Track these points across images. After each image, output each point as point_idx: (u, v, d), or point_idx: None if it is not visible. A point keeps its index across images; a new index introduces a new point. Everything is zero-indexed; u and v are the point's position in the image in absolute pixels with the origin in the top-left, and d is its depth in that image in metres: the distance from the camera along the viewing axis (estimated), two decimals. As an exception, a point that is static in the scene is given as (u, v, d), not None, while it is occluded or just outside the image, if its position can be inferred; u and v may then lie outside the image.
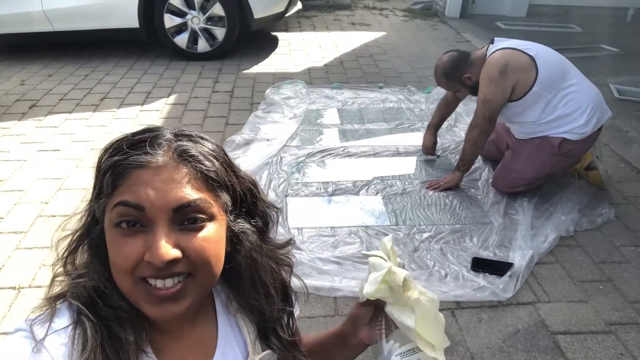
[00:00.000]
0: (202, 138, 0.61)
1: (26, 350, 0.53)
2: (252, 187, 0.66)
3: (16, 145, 2.74)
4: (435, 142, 2.64)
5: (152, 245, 0.53)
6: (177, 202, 0.54)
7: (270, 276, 0.68)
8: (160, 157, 0.55)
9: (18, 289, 1.73)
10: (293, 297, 0.75)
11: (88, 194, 0.63)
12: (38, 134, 2.87)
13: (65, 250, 0.62)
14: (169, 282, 0.55)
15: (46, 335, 0.54)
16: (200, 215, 0.56)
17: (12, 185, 2.35)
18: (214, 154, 0.60)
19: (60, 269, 0.62)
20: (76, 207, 2.18)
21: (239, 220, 0.64)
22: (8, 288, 1.73)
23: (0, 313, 1.63)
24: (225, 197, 0.60)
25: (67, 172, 2.47)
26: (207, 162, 0.58)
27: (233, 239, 0.63)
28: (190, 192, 0.55)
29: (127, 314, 0.58)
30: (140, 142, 0.56)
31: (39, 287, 1.74)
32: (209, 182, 0.58)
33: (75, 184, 2.37)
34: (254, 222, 0.67)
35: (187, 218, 0.55)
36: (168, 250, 0.53)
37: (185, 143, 0.58)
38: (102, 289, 0.58)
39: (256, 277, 0.67)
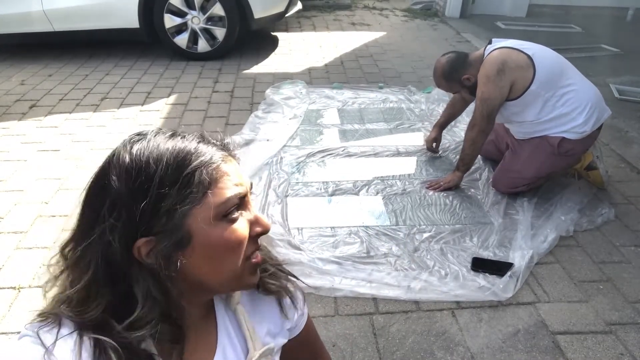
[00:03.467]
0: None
1: (33, 355, 0.53)
2: None
3: (16, 145, 2.74)
4: (437, 139, 2.66)
5: (260, 219, 0.64)
6: (250, 182, 0.65)
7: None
8: (225, 152, 0.63)
9: (18, 289, 1.73)
10: (297, 303, 0.78)
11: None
12: (38, 134, 2.87)
13: (85, 282, 0.57)
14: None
15: (55, 341, 0.54)
16: None
17: (12, 185, 2.35)
18: None
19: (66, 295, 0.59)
20: (76, 207, 2.17)
21: None
22: (8, 288, 1.73)
23: (0, 313, 1.63)
24: None
25: (67, 172, 2.47)
26: (238, 157, 0.67)
27: None
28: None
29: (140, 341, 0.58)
30: (209, 139, 0.63)
31: (39, 287, 1.74)
32: None
33: (75, 184, 2.37)
34: None
35: None
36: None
37: (224, 142, 0.65)
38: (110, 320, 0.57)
39: None
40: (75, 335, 0.56)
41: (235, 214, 0.60)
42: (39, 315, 0.58)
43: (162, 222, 0.55)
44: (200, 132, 0.64)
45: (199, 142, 0.61)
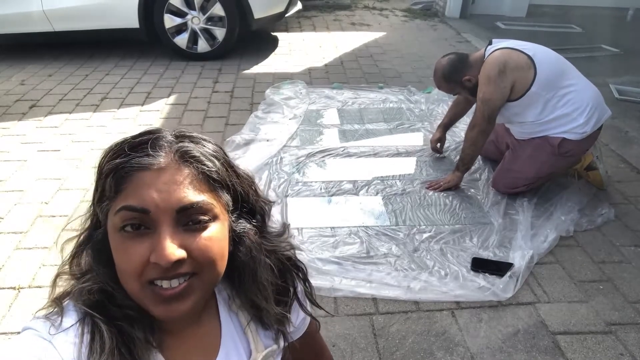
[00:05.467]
0: (202, 139, 0.61)
1: (35, 347, 0.53)
2: (251, 185, 0.67)
3: (16, 145, 2.74)
4: (441, 139, 2.66)
5: (157, 246, 0.53)
6: (180, 203, 0.54)
7: (269, 274, 0.69)
8: (162, 158, 0.55)
9: (18, 289, 1.73)
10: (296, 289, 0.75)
11: (89, 196, 0.63)
12: (38, 134, 2.87)
13: (70, 255, 0.62)
14: (174, 282, 0.55)
15: (56, 333, 0.55)
16: (203, 217, 0.57)
17: (12, 185, 2.35)
18: (215, 154, 0.60)
19: (66, 268, 0.63)
20: (76, 207, 2.18)
21: (240, 220, 0.64)
22: (8, 288, 1.73)
23: (0, 313, 1.63)
24: (227, 197, 0.61)
25: (67, 172, 2.47)
26: (208, 163, 0.58)
27: (235, 238, 0.64)
28: (192, 194, 0.56)
29: (136, 312, 0.59)
30: (142, 144, 0.56)
31: (39, 287, 1.74)
32: (210, 183, 0.58)
33: (75, 184, 2.37)
34: (254, 221, 0.67)
35: (190, 219, 0.56)
36: (174, 250, 0.53)
37: (186, 144, 0.58)
38: (109, 290, 0.58)
39: (256, 274, 0.67)
40: (77, 326, 0.56)
41: (130, 230, 0.54)
42: (51, 301, 0.60)
43: (100, 211, 0.58)
44: (169, 133, 0.59)
45: (137, 143, 0.57)
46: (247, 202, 0.66)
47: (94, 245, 0.60)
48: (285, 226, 0.76)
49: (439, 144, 2.67)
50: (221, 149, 0.63)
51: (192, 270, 0.56)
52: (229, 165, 0.62)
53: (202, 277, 0.58)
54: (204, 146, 0.60)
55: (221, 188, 0.60)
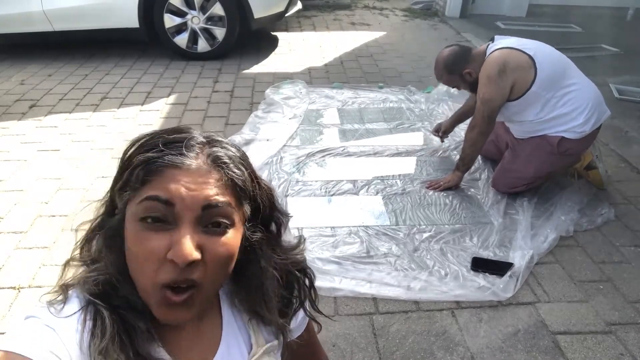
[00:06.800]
0: (232, 146, 0.62)
1: (38, 334, 0.54)
2: (270, 197, 0.67)
3: (16, 145, 2.74)
4: (446, 127, 2.66)
5: (177, 243, 0.53)
6: (207, 200, 0.55)
7: (276, 287, 0.69)
8: (194, 159, 0.56)
9: (18, 289, 1.73)
10: (297, 305, 0.76)
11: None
12: (38, 134, 2.87)
13: (81, 239, 0.63)
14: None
15: (58, 320, 0.56)
16: (224, 220, 0.57)
17: (12, 185, 2.35)
18: (243, 162, 0.62)
19: (77, 254, 0.63)
20: (76, 206, 2.18)
21: (254, 230, 0.65)
22: (8, 288, 1.73)
23: (0, 313, 1.63)
24: (247, 207, 0.61)
25: (67, 172, 2.47)
26: (237, 170, 0.59)
27: (247, 248, 0.64)
28: (219, 195, 0.56)
29: (139, 305, 0.59)
30: (176, 142, 0.57)
31: (39, 287, 1.74)
32: (235, 190, 0.59)
33: (75, 184, 2.37)
34: (268, 232, 0.68)
35: (212, 221, 0.56)
36: (192, 250, 0.54)
37: (218, 149, 0.59)
38: (114, 282, 0.59)
39: (262, 286, 0.68)
40: (79, 313, 0.57)
41: (151, 221, 0.54)
42: (58, 286, 0.60)
43: (119, 199, 0.58)
44: (199, 134, 0.61)
45: (171, 140, 0.58)
46: (264, 214, 0.66)
47: (107, 231, 0.60)
48: (301, 239, 0.76)
49: (441, 131, 2.66)
50: (247, 157, 0.64)
51: (199, 279, 0.56)
52: (254, 175, 0.63)
53: (204, 287, 0.58)
54: (234, 153, 0.61)
55: (244, 197, 0.61)
